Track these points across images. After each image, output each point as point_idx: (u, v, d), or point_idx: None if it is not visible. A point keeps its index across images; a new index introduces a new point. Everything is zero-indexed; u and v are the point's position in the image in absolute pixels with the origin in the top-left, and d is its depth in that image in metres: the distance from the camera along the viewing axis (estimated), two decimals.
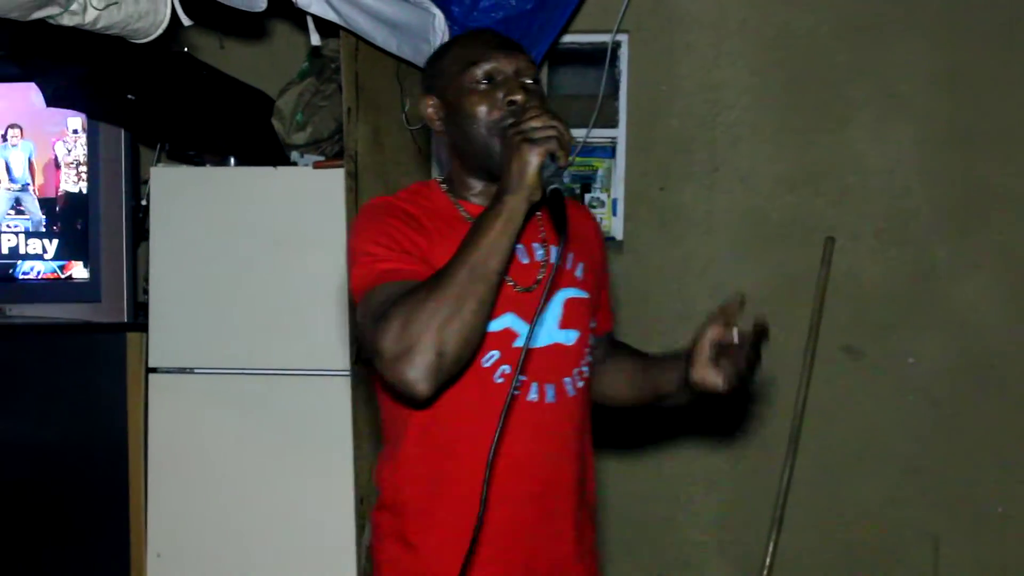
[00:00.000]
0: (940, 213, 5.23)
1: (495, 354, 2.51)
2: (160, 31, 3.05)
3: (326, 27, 3.79)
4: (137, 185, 4.75)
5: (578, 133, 5.32)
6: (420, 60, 4.19)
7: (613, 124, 5.45)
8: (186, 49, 4.62)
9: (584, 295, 2.71)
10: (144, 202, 4.65)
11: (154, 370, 4.46)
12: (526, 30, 4.38)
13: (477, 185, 2.65)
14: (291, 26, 5.17)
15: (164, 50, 4.37)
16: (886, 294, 5.26)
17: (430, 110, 2.68)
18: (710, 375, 2.56)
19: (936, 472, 5.21)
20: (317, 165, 4.38)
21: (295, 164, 4.48)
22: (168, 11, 3.04)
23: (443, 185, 2.69)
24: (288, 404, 4.37)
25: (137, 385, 4.49)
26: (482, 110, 2.57)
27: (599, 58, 5.32)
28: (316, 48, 3.94)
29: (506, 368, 2.51)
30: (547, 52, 4.58)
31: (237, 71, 4.92)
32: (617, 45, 5.37)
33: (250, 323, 4.40)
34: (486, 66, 2.60)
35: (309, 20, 3.65)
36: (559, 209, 2.34)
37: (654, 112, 5.38)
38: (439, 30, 4.20)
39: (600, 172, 5.51)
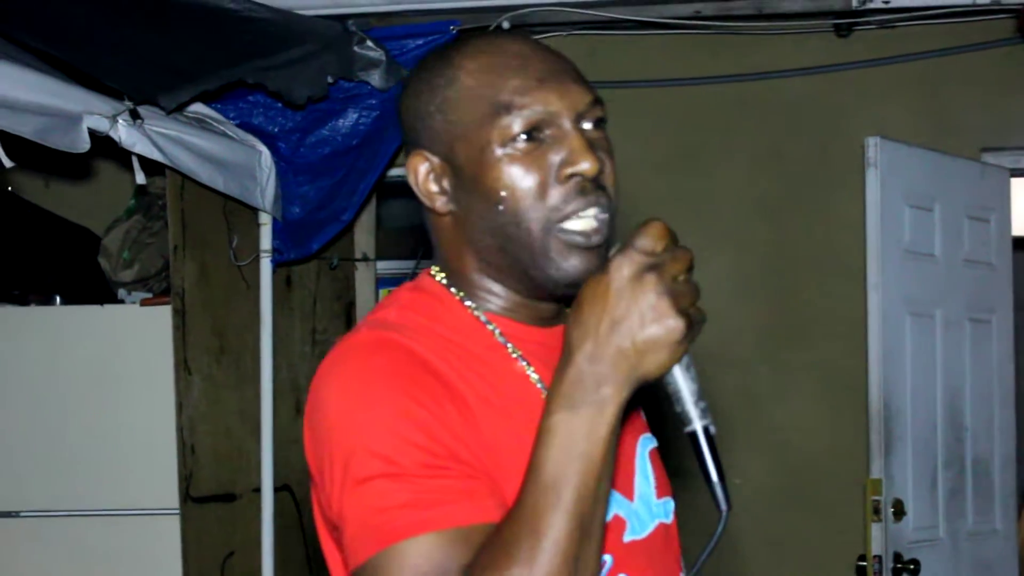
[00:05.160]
0: (762, 336, 5.36)
1: (606, 560, 1.60)
2: None
3: (152, 165, 3.81)
4: None
5: (407, 265, 5.38)
6: (247, 197, 4.23)
7: None
8: (10, 188, 4.60)
9: (654, 441, 1.86)
10: None
11: None
12: (352, 165, 4.45)
13: (504, 294, 1.67)
14: (117, 164, 5.17)
15: None
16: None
17: (423, 176, 1.66)
18: None
19: None
20: (144, 302, 4.38)
21: (122, 302, 4.47)
22: None
23: (452, 288, 1.68)
24: (117, 545, 4.30)
25: None
26: (525, 192, 1.57)
27: None
28: (142, 186, 3.96)
29: None
30: (374, 185, 4.64)
31: (63, 209, 4.91)
32: None
33: (77, 464, 4.34)
34: (527, 113, 1.57)
35: (134, 159, 3.68)
36: (708, 462, 1.46)
37: None
38: (265, 167, 4.24)
39: None
